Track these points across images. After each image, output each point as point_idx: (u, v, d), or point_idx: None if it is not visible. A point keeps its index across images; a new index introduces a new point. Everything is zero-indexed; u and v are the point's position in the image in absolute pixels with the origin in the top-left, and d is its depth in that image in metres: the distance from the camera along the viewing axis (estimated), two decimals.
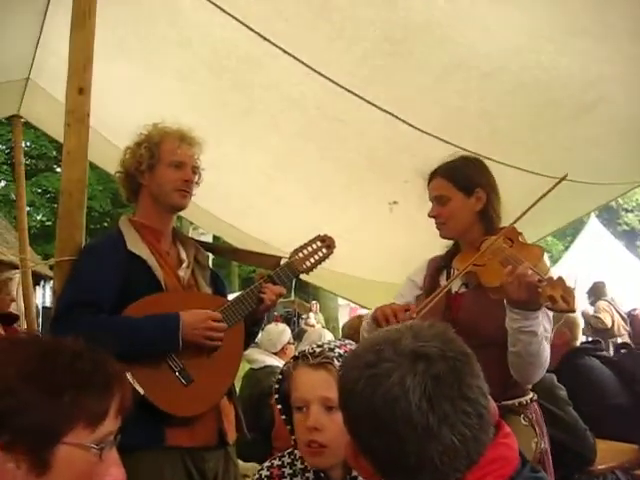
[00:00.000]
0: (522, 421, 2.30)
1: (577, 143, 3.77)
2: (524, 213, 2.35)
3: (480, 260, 2.26)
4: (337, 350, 1.60)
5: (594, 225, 13.36)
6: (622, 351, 3.97)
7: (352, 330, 4.09)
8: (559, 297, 1.87)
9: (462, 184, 2.43)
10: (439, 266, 2.52)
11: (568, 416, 2.86)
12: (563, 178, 2.40)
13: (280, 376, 1.68)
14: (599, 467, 2.99)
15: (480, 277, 2.25)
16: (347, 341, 1.68)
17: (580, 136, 3.68)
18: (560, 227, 5.39)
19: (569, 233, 21.01)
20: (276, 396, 1.69)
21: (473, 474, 1.05)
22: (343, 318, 17.48)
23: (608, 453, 3.05)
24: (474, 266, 2.25)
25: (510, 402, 2.29)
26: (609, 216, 26.86)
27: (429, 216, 2.47)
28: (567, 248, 18.79)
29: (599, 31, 2.80)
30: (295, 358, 1.65)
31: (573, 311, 1.95)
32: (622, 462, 3.03)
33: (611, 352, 3.94)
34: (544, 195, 2.36)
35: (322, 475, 1.65)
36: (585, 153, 3.91)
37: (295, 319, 17.57)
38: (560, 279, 1.93)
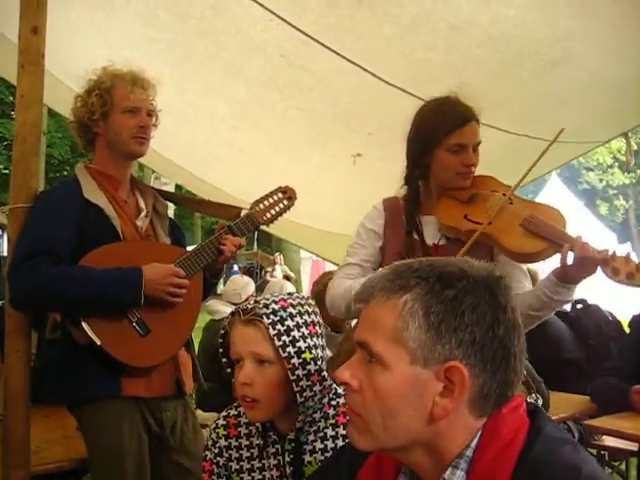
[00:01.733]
0: None
1: (542, 100, 3.78)
2: (527, 172, 2.32)
3: (488, 218, 2.17)
4: (273, 306, 1.60)
5: (555, 183, 13.54)
6: (578, 306, 4.05)
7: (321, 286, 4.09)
8: (622, 270, 1.94)
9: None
10: (407, 213, 2.35)
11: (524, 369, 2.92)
12: (561, 131, 2.37)
13: (223, 330, 1.70)
14: (552, 418, 3.08)
15: (499, 239, 2.15)
16: (294, 295, 1.69)
17: (545, 93, 3.69)
18: (523, 184, 5.44)
19: (530, 191, 21.26)
20: (221, 350, 1.71)
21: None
22: (305, 271, 17.60)
23: (561, 405, 3.13)
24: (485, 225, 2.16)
25: None
26: (570, 174, 27.26)
27: (468, 165, 2.25)
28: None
29: None
30: (232, 314, 1.67)
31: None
32: (574, 413, 3.12)
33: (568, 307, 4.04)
34: (544, 152, 2.35)
35: (268, 425, 1.68)
36: (549, 110, 3.92)
37: (257, 271, 17.59)
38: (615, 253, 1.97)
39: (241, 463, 1.72)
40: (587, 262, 1.99)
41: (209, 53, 3.45)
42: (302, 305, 1.65)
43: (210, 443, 1.77)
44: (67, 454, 2.64)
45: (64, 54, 3.35)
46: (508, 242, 2.14)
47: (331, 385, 1.66)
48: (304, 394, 1.58)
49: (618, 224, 29.98)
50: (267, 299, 1.64)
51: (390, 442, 1.05)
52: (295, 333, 1.58)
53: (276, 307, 1.60)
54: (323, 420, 1.64)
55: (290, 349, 1.56)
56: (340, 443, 1.60)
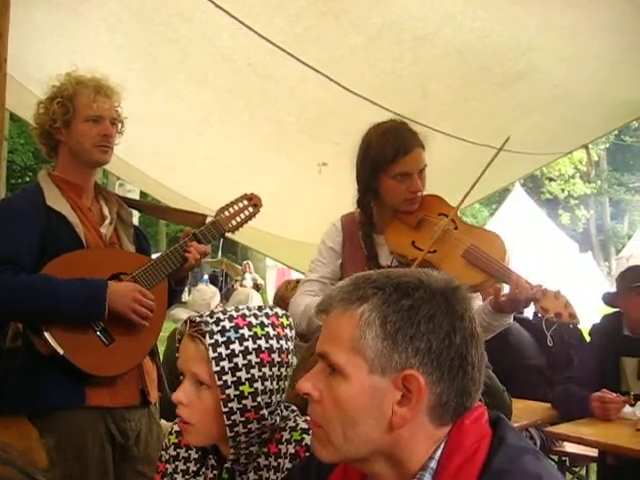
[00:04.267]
0: None
1: (506, 111, 3.83)
2: (470, 190, 2.36)
3: (431, 245, 2.24)
4: (225, 323, 1.42)
5: (518, 193, 13.69)
6: (540, 315, 4.12)
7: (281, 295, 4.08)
8: (551, 308, 2.06)
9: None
10: (363, 236, 2.42)
11: (487, 377, 2.94)
12: (506, 141, 2.46)
13: (179, 336, 1.54)
14: (514, 425, 3.11)
15: (440, 268, 2.14)
16: (264, 312, 1.50)
17: (509, 104, 3.75)
18: (487, 195, 5.51)
19: (494, 200, 21.55)
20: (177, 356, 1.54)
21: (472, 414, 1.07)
22: (271, 279, 17.53)
23: (523, 412, 3.17)
24: (427, 253, 2.24)
25: None
26: (533, 185, 27.68)
27: (413, 192, 2.30)
28: (492, 215, 19.28)
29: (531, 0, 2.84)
30: (184, 322, 1.51)
31: (575, 323, 2.13)
32: (535, 420, 3.16)
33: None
34: (486, 167, 2.39)
35: (210, 447, 1.56)
36: (513, 122, 3.98)
37: (222, 279, 17.48)
38: (548, 291, 2.09)
39: (185, 477, 1.60)
40: (518, 300, 2.12)
41: (175, 60, 3.44)
42: (264, 326, 1.45)
43: (164, 446, 1.67)
44: (29, 465, 2.59)
45: (27, 58, 3.31)
46: (449, 271, 2.20)
47: (274, 423, 1.48)
48: (235, 429, 1.41)
49: (579, 233, 30.48)
50: (224, 313, 1.46)
51: (351, 452, 1.06)
52: (238, 360, 1.39)
53: (228, 325, 1.42)
54: (262, 455, 1.49)
55: (227, 377, 1.38)
56: (272, 474, 1.47)
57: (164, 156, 4.40)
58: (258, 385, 1.41)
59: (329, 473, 1.20)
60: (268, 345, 1.43)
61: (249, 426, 1.42)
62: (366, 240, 2.41)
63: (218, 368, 1.38)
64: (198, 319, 1.44)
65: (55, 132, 2.35)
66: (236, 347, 1.40)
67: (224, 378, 1.38)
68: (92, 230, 2.35)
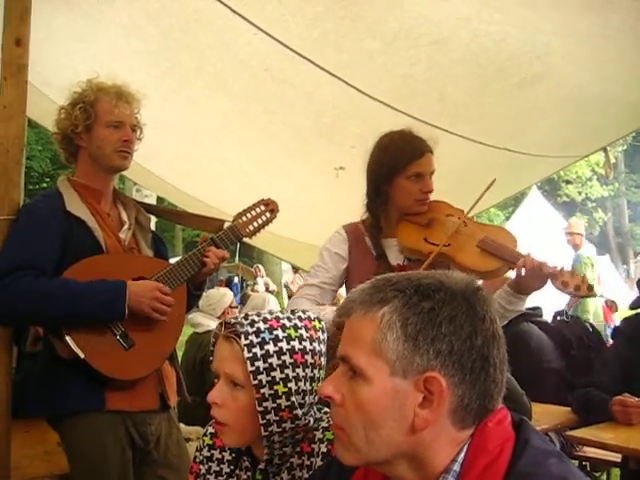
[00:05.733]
0: None
1: (522, 114, 3.82)
2: (474, 204, 2.51)
3: (446, 240, 2.38)
4: (259, 324, 1.44)
5: (535, 196, 13.60)
6: (559, 318, 4.09)
7: None
8: (570, 282, 2.22)
9: None
10: (371, 237, 2.53)
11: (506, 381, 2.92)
12: (492, 182, 2.53)
13: (213, 339, 1.56)
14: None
15: (457, 258, 2.36)
16: (297, 314, 1.52)
17: (525, 108, 3.74)
18: (504, 198, 5.49)
19: (510, 203, 21.43)
20: (211, 358, 1.57)
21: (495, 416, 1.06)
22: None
23: (543, 416, 3.14)
24: (442, 246, 2.37)
25: None
26: (550, 187, 27.51)
27: (425, 192, 2.46)
28: (508, 218, 19.19)
29: (548, 3, 2.83)
30: (220, 324, 1.54)
31: (593, 295, 2.33)
32: (555, 424, 3.13)
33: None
34: (481, 196, 2.52)
35: (243, 449, 1.58)
36: (529, 125, 3.97)
37: (239, 284, 17.51)
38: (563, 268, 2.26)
39: (219, 478, 1.63)
40: (537, 274, 2.25)
41: (192, 66, 3.47)
42: (297, 328, 1.47)
43: (199, 447, 1.70)
44: (48, 469, 2.60)
45: (46, 65, 3.34)
46: (466, 261, 2.35)
47: (307, 424, 1.49)
48: (269, 428, 1.43)
49: (597, 236, 30.29)
50: (258, 315, 1.49)
51: (374, 455, 1.05)
52: (273, 360, 1.41)
53: (262, 326, 1.44)
54: (295, 455, 1.52)
55: (262, 377, 1.41)
56: (305, 472, 1.49)
57: (181, 161, 4.43)
58: (292, 385, 1.43)
59: (350, 476, 1.20)
60: (301, 346, 1.45)
61: (283, 425, 1.44)
62: (375, 242, 2.51)
63: (253, 368, 1.41)
64: (233, 321, 1.47)
65: (76, 137, 2.37)
66: (270, 347, 1.42)
67: (259, 377, 1.41)
68: (111, 235, 2.37)
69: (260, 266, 16.50)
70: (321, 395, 1.11)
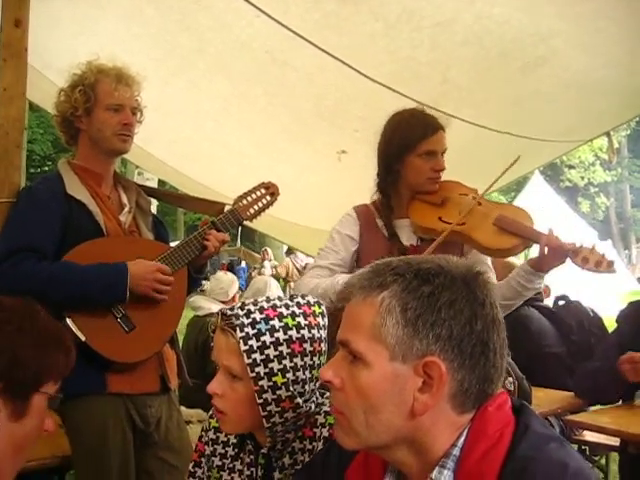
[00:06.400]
0: None
1: (525, 98, 3.80)
2: (494, 182, 2.49)
3: (460, 219, 2.36)
4: (255, 315, 1.42)
5: (537, 181, 13.59)
6: (560, 303, 4.09)
7: None
8: (590, 258, 2.22)
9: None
10: (383, 217, 2.50)
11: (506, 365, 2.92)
12: (516, 160, 2.49)
13: (213, 327, 1.54)
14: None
15: (473, 237, 2.35)
16: (295, 301, 1.50)
17: (528, 91, 3.71)
18: (506, 183, 5.48)
19: (512, 188, 21.39)
20: (212, 345, 1.55)
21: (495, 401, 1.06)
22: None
23: (543, 400, 3.15)
24: (457, 225, 2.35)
25: None
26: (552, 172, 27.45)
27: (437, 170, 2.44)
28: (510, 203, 19.15)
29: None
30: (218, 313, 1.52)
31: (613, 271, 2.26)
32: (555, 409, 3.14)
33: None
34: (504, 172, 2.47)
35: (247, 433, 1.58)
36: (532, 109, 3.95)
37: (246, 267, 17.53)
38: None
39: (223, 460, 1.63)
40: (558, 251, 2.26)
41: (193, 48, 3.44)
42: (295, 316, 1.45)
43: (205, 427, 1.70)
44: (50, 451, 2.61)
45: (46, 47, 3.32)
46: (482, 239, 2.34)
47: (308, 410, 1.49)
48: (272, 419, 1.43)
49: (599, 221, 30.23)
50: (255, 304, 1.47)
51: (373, 440, 1.06)
52: (269, 352, 1.40)
53: (258, 317, 1.42)
54: (297, 439, 1.53)
55: (259, 369, 1.40)
56: (307, 457, 1.49)
57: (182, 144, 4.42)
58: (290, 375, 1.42)
59: (350, 460, 1.21)
60: (299, 335, 1.44)
61: (285, 415, 1.44)
62: (387, 223, 2.48)
63: (250, 360, 1.40)
64: (229, 312, 1.45)
65: (76, 120, 2.36)
66: (267, 339, 1.41)
67: (256, 370, 1.40)
68: (112, 218, 2.36)
69: (268, 249, 16.49)
70: (321, 379, 1.11)
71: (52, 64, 3.41)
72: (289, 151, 4.31)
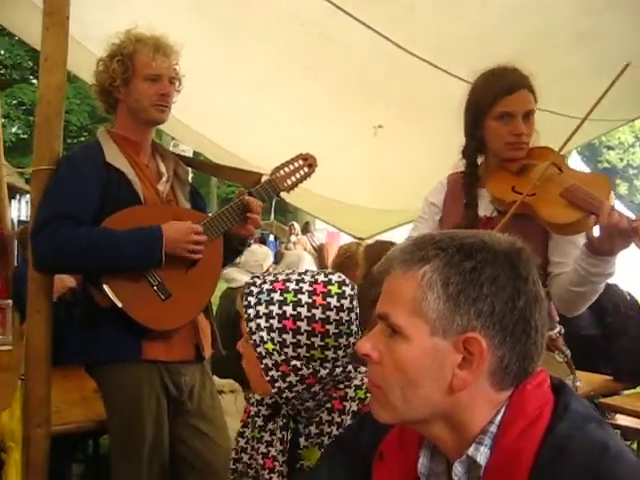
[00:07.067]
0: (557, 357, 2.16)
1: (567, 75, 3.71)
2: (573, 133, 2.11)
3: (531, 189, 2.04)
4: (265, 285, 1.49)
5: (575, 162, 13.35)
6: None
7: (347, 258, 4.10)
8: None
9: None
10: (464, 185, 2.29)
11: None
12: (626, 67, 2.23)
13: None
14: None
15: (538, 210, 2.03)
16: (309, 276, 1.52)
17: (569, 68, 3.63)
18: (569, 149, 5.36)
19: None
20: None
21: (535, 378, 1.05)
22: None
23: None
24: (526, 196, 2.04)
25: None
26: (590, 153, 26.97)
27: (516, 135, 2.15)
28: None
29: None
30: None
31: None
32: (588, 391, 3.12)
33: None
34: (606, 91, 2.23)
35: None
36: (575, 86, 3.86)
37: (274, 241, 17.56)
38: None
39: (265, 421, 1.67)
40: (614, 232, 1.83)
41: (232, 20, 3.42)
42: (298, 293, 1.47)
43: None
44: (86, 415, 2.69)
45: (85, 17, 3.32)
46: (546, 213, 2.02)
47: (323, 379, 1.50)
48: (276, 385, 1.47)
49: (637, 204, 29.70)
50: (274, 276, 1.53)
51: (411, 414, 1.05)
52: (260, 321, 1.45)
53: (265, 287, 1.48)
54: (326, 411, 1.55)
55: (255, 337, 1.45)
56: (335, 429, 1.52)
57: (218, 116, 4.42)
58: (277, 347, 1.46)
59: (384, 434, 1.21)
60: (294, 312, 1.45)
61: (288, 380, 1.47)
62: (467, 190, 2.28)
63: (248, 328, 1.47)
64: (250, 281, 1.52)
65: (114, 90, 2.37)
66: (261, 309, 1.46)
67: (253, 337, 1.46)
68: (149, 187, 2.38)
69: (295, 224, 16.46)
70: (358, 352, 1.10)
71: (90, 33, 3.43)
72: (325, 124, 4.29)
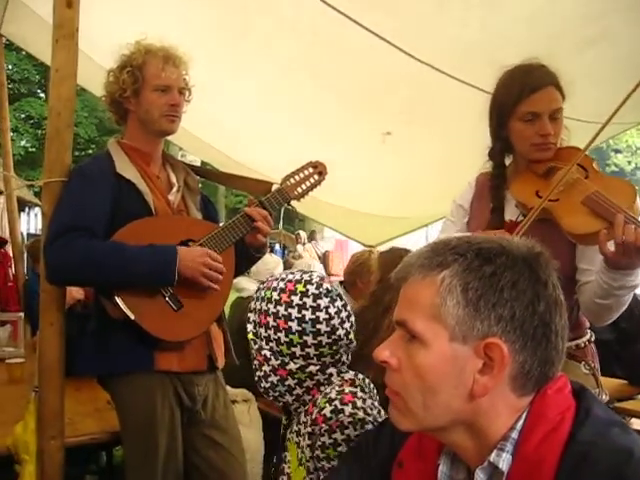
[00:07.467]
0: (583, 369, 2.09)
1: (574, 79, 3.70)
2: (601, 129, 2.05)
3: (553, 193, 1.94)
4: (276, 284, 1.61)
5: None
6: None
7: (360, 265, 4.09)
8: None
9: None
10: (491, 188, 2.22)
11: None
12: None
13: None
14: None
15: (559, 218, 1.93)
16: (313, 282, 1.59)
17: (578, 73, 3.62)
18: (592, 146, 5.32)
19: None
20: None
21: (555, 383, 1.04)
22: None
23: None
24: (548, 201, 1.94)
25: (567, 344, 2.04)
26: (599, 157, 26.90)
27: (543, 135, 2.05)
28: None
29: None
30: None
31: None
32: None
33: None
34: (623, 102, 2.13)
35: None
36: (582, 90, 3.84)
37: (281, 250, 17.56)
38: None
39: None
40: (629, 247, 1.71)
41: (240, 30, 3.43)
42: (273, 290, 1.59)
43: None
44: (99, 426, 2.68)
45: (92, 29, 3.35)
46: (566, 221, 1.92)
47: (301, 379, 1.59)
48: (257, 373, 1.63)
49: None
50: (288, 275, 1.63)
51: (431, 421, 1.04)
52: (251, 315, 1.63)
53: (261, 285, 1.67)
54: (303, 412, 1.61)
55: (249, 326, 1.64)
56: (308, 432, 1.53)
57: (226, 126, 4.43)
58: (254, 338, 1.64)
59: (403, 442, 1.20)
60: (266, 308, 1.59)
61: (263, 369, 1.61)
62: (493, 193, 2.19)
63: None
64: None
65: (124, 101, 2.38)
66: (255, 304, 1.64)
67: (249, 327, 1.66)
68: (161, 197, 2.38)
69: (301, 232, 16.45)
70: (376, 360, 1.09)
71: (98, 46, 3.44)
72: (333, 132, 4.29)
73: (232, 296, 4.28)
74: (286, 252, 17.85)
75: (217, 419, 2.43)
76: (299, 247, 15.92)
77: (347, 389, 1.54)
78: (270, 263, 4.69)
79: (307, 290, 1.57)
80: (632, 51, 3.36)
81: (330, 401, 1.50)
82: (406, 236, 5.41)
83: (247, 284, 4.51)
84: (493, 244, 1.04)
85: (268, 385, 1.60)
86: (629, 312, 3.74)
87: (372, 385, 1.67)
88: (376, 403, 1.57)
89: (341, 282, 4.27)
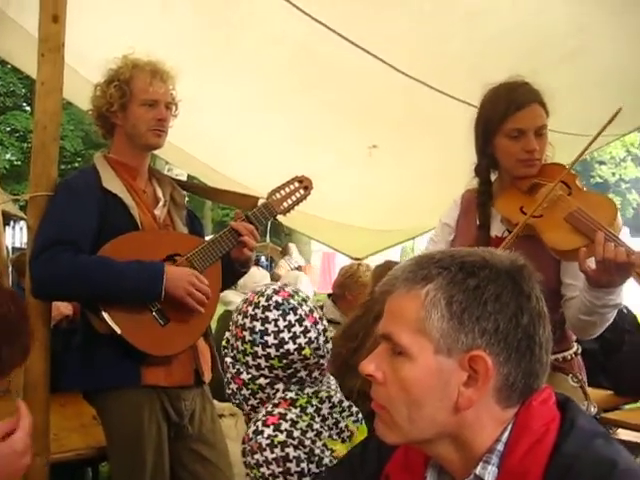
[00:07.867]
0: (571, 381, 2.10)
1: (557, 91, 3.74)
2: (581, 154, 2.13)
3: (537, 210, 1.97)
4: (268, 292, 1.60)
5: None
6: None
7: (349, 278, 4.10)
8: None
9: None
10: (478, 205, 2.22)
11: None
12: (618, 111, 2.17)
13: None
14: None
15: (541, 233, 1.96)
16: (290, 299, 1.59)
17: (559, 86, 3.65)
18: (575, 164, 5.36)
19: None
20: None
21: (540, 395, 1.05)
22: (315, 263, 17.49)
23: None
24: (531, 217, 1.97)
25: (554, 357, 2.03)
26: (583, 168, 27.12)
27: (529, 151, 2.06)
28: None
29: None
30: None
31: None
32: None
33: None
34: (600, 132, 2.16)
35: None
36: (564, 103, 3.88)
37: (268, 263, 17.54)
38: None
39: None
40: (609, 265, 1.74)
41: (225, 44, 3.44)
42: (249, 305, 1.59)
43: None
44: (85, 442, 2.67)
45: (78, 43, 3.35)
46: (548, 237, 1.95)
47: (254, 390, 1.59)
48: (226, 375, 1.65)
49: (630, 218, 29.83)
50: (261, 287, 1.65)
51: (417, 434, 1.05)
52: (232, 327, 1.64)
53: (258, 298, 1.62)
54: (254, 415, 1.59)
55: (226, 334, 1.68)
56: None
57: (212, 139, 4.43)
58: (228, 350, 1.65)
59: (389, 455, 1.20)
60: (235, 319, 1.62)
61: (227, 376, 1.64)
62: (480, 209, 2.20)
63: None
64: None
65: (111, 115, 2.38)
66: (235, 316, 1.63)
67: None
68: (147, 212, 2.38)
69: (290, 245, 16.41)
70: (362, 373, 1.09)
71: (84, 59, 3.44)
72: (320, 146, 4.30)
73: (219, 309, 4.26)
74: (273, 265, 17.82)
75: (204, 433, 2.42)
76: (281, 262, 15.88)
77: (277, 410, 1.52)
78: (257, 276, 4.70)
79: (259, 302, 1.58)
80: (610, 65, 3.41)
81: (255, 421, 1.50)
82: (393, 248, 5.42)
83: (234, 297, 4.51)
84: (476, 257, 1.05)
85: (230, 392, 1.64)
86: (613, 323, 3.78)
87: (335, 407, 1.62)
88: (319, 426, 1.54)
89: (329, 295, 4.27)
